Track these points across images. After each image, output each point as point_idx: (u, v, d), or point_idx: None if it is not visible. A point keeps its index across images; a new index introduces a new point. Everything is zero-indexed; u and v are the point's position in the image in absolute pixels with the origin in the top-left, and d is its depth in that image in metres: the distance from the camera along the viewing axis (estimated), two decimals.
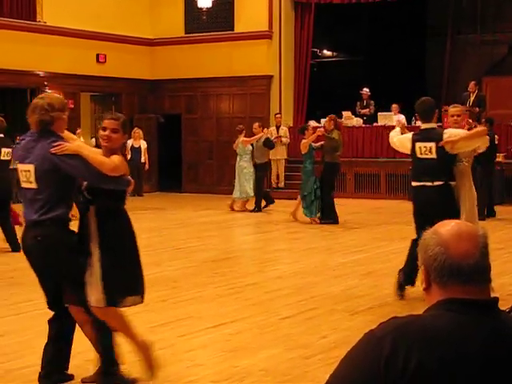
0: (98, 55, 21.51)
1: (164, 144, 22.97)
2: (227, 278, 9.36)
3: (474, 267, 2.36)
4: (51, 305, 5.50)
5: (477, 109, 19.33)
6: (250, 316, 7.42)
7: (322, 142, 15.12)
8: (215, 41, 21.85)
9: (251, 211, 16.98)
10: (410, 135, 8.27)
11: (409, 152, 8.24)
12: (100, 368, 5.49)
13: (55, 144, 5.28)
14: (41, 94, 5.62)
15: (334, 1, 21.43)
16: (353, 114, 21.11)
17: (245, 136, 17.37)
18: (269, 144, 17.52)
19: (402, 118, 20.49)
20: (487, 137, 8.45)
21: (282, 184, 20.57)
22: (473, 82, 19.93)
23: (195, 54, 22.05)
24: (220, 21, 21.92)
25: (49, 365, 5.44)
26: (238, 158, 17.53)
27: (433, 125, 8.15)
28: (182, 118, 22.83)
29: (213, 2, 21.09)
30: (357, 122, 20.89)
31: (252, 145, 17.32)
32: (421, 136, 8.06)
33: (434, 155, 7.88)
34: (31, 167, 5.35)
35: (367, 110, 21.01)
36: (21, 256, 5.61)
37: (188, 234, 13.90)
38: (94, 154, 5.34)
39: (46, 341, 5.51)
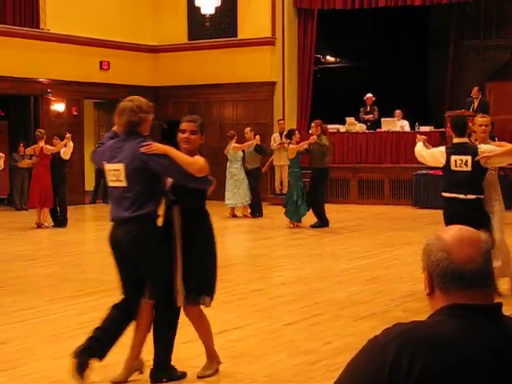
0: (101, 62, 21.54)
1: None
2: (230, 284, 9.35)
3: (476, 272, 2.35)
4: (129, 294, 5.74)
5: (480, 114, 19.31)
6: (253, 322, 7.41)
7: (306, 146, 15.14)
8: (218, 47, 21.87)
9: (253, 217, 16.99)
10: (442, 149, 8.68)
11: (441, 165, 8.60)
12: (154, 363, 5.73)
13: (145, 144, 5.55)
14: (128, 97, 5.81)
15: (337, 7, 21.43)
16: (356, 120, 21.11)
17: (236, 142, 17.34)
18: (261, 150, 17.49)
19: (406, 123, 20.51)
20: None
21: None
22: (476, 88, 19.95)
23: (198, 61, 22.07)
24: (223, 27, 21.95)
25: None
26: (228, 164, 17.48)
27: (465, 139, 8.53)
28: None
29: (216, 8, 21.11)
30: (360, 127, 20.89)
31: (243, 150, 17.30)
32: (456, 149, 8.41)
33: (469, 168, 8.26)
34: (121, 166, 5.59)
35: (371, 115, 21.01)
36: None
37: None
38: (183, 155, 5.58)
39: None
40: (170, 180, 5.73)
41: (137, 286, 5.70)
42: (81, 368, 5.45)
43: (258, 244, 13.21)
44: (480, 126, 8.80)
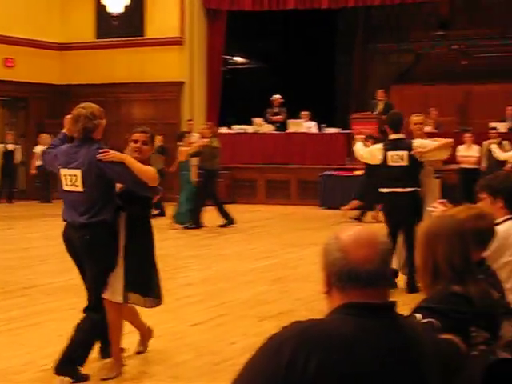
0: (5, 59, 21.12)
1: None
2: None
3: (372, 273, 2.42)
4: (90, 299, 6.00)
5: (384, 116, 19.69)
6: (160, 323, 7.39)
7: (198, 149, 15.17)
8: (126, 46, 21.70)
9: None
10: (380, 146, 9.16)
11: (379, 162, 9.04)
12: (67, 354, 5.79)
13: (102, 151, 5.75)
14: (81, 104, 6.04)
15: (246, 8, 21.53)
16: (264, 121, 21.24)
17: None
18: (163, 151, 17.35)
19: (313, 125, 20.75)
20: (451, 148, 9.67)
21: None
22: (381, 90, 20.34)
23: (106, 59, 21.87)
24: (131, 26, 21.78)
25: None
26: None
27: (401, 135, 8.97)
28: None
29: (124, 7, 20.95)
30: (268, 128, 21.03)
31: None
32: (392, 145, 8.91)
33: (405, 162, 8.79)
34: (78, 172, 5.78)
35: (278, 116, 21.17)
36: None
37: None
38: (138, 163, 5.78)
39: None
40: (118, 186, 5.92)
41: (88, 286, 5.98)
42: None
43: (166, 244, 13.13)
44: (415, 124, 9.33)
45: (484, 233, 4.07)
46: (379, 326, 2.36)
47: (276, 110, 21.28)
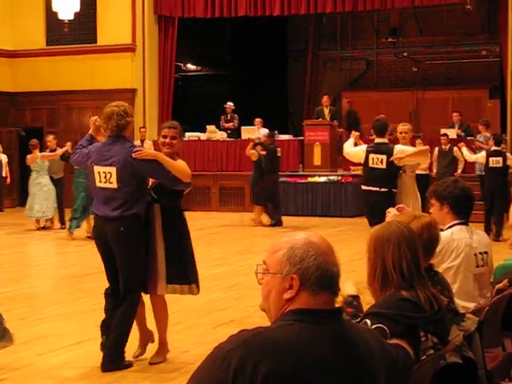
0: None
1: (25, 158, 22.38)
2: (89, 294, 9.22)
3: (335, 278, 2.46)
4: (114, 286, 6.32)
5: (336, 122, 19.85)
6: None
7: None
8: (78, 53, 21.56)
9: (61, 228, 16.35)
10: (364, 147, 9.62)
11: (362, 161, 9.57)
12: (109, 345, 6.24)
13: (136, 150, 6.09)
14: (112, 103, 6.33)
15: (198, 15, 21.52)
16: (217, 128, 21.25)
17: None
18: (68, 158, 17.11)
19: (266, 131, 20.78)
20: (429, 154, 10.20)
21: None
22: (326, 96, 20.44)
23: (57, 67, 21.69)
24: (82, 33, 21.68)
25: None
26: (34, 175, 16.57)
27: (385, 140, 9.45)
28: (44, 132, 22.36)
29: (75, 14, 20.78)
30: (221, 135, 21.03)
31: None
32: (374, 148, 9.39)
33: (384, 166, 9.21)
34: (113, 169, 6.08)
35: (231, 123, 21.19)
36: None
37: (48, 250, 13.65)
38: (171, 160, 6.12)
39: None
40: (151, 180, 6.24)
41: (117, 276, 6.27)
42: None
43: None
44: (400, 133, 9.70)
45: (433, 240, 4.13)
46: (326, 331, 2.38)
47: (229, 117, 21.30)
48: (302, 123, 20.96)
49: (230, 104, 21.31)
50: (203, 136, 21.17)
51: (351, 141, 10.10)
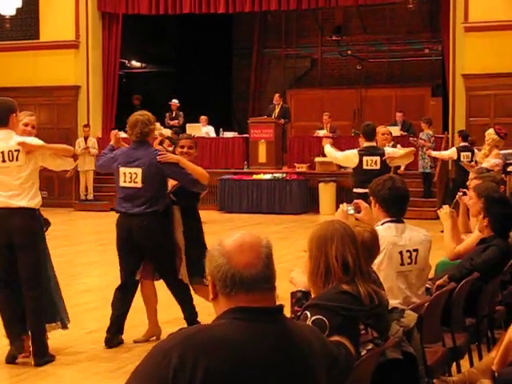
0: None
1: None
2: None
3: (256, 277, 2.46)
4: (127, 277, 7.04)
5: (282, 120, 19.93)
6: (56, 331, 7.29)
7: None
8: (20, 49, 21.23)
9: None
10: (355, 151, 10.20)
11: (354, 165, 10.09)
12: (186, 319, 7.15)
13: (160, 153, 6.85)
14: (138, 111, 7.15)
15: (142, 12, 21.40)
16: (162, 126, 21.14)
17: None
18: None
19: (211, 129, 20.80)
20: (413, 155, 10.91)
21: (90, 196, 20.31)
22: (277, 95, 20.58)
23: None
24: (25, 29, 21.37)
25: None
26: None
27: (373, 143, 10.15)
28: None
29: (17, 9, 20.45)
30: (166, 133, 20.92)
31: None
32: (367, 151, 10.04)
33: (378, 166, 9.86)
34: (139, 170, 6.81)
35: (176, 121, 21.12)
36: None
37: None
38: (192, 164, 6.98)
39: None
40: (170, 185, 7.02)
41: (133, 270, 7.00)
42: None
43: (63, 251, 12.96)
44: (382, 134, 10.63)
45: (367, 248, 4.17)
46: (266, 329, 2.40)
47: (174, 114, 21.24)
48: (247, 121, 21.00)
49: (175, 101, 21.26)
50: None
51: (329, 145, 10.70)
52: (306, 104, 24.90)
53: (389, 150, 10.22)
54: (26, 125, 6.69)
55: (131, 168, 6.81)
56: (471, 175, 8.20)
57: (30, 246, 6.27)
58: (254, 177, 19.01)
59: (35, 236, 6.34)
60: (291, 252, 11.45)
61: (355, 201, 5.65)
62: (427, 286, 5.49)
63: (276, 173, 19.15)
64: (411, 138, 17.58)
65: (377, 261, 4.41)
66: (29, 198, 6.25)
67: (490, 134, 11.93)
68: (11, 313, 6.42)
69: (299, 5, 20.14)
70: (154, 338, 7.19)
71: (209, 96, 24.34)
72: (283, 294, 8.51)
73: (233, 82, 27.60)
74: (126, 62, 25.90)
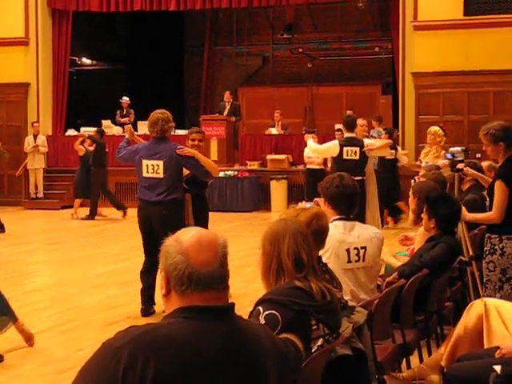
0: None
1: None
2: None
3: (212, 276, 2.44)
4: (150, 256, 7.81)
5: (233, 118, 19.93)
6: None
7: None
8: None
9: None
10: (336, 142, 10.89)
11: (335, 155, 10.70)
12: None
13: (179, 147, 7.73)
14: (158, 110, 7.95)
15: (93, 9, 21.20)
16: (113, 123, 21.01)
17: None
18: None
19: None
20: (389, 147, 12.15)
21: (40, 194, 20.07)
22: (228, 92, 20.57)
23: None
24: None
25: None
26: None
27: (353, 134, 10.82)
28: None
29: None
30: (117, 130, 20.79)
31: None
32: (348, 142, 10.67)
33: (357, 157, 10.54)
34: (160, 162, 7.71)
35: (127, 118, 20.98)
36: None
37: None
38: (206, 158, 7.97)
39: None
40: (184, 174, 7.89)
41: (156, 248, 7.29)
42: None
43: (10, 250, 12.83)
44: (361, 126, 11.60)
45: (322, 231, 4.22)
46: (216, 328, 2.39)
47: (124, 111, 21.10)
48: (199, 118, 20.95)
49: (125, 99, 21.11)
50: None
51: (311, 140, 11.46)
52: (258, 102, 24.92)
53: (367, 142, 10.91)
54: None
55: (154, 160, 7.71)
56: (420, 172, 8.29)
57: None
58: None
59: None
60: (243, 249, 11.45)
61: (315, 199, 5.68)
62: (378, 282, 5.53)
63: (227, 170, 19.14)
64: (371, 136, 17.67)
65: (324, 258, 4.43)
66: None
67: (439, 133, 11.60)
68: None
69: (250, 2, 20.15)
70: None
71: (160, 93, 24.23)
72: (236, 292, 8.59)
73: (184, 80, 27.51)
74: (77, 59, 25.71)
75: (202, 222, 7.92)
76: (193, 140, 8.27)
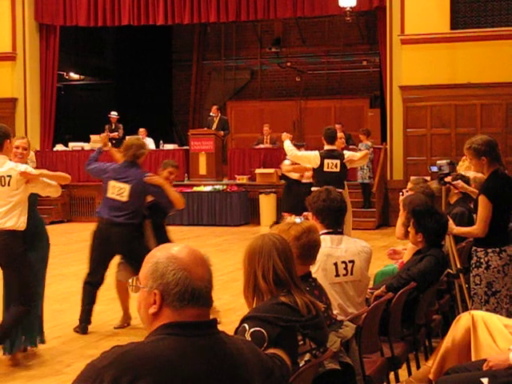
0: None
1: None
2: None
3: (207, 291, 2.46)
4: (97, 277, 8.09)
5: (221, 132, 19.95)
6: None
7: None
8: None
9: None
10: (317, 153, 10.81)
11: (315, 166, 10.68)
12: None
13: (148, 175, 7.86)
14: (133, 136, 8.49)
15: (80, 24, 21.23)
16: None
17: None
18: None
19: (150, 141, 20.69)
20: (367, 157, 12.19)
21: None
22: (215, 107, 20.58)
23: None
24: None
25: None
26: None
27: (334, 147, 10.88)
28: None
29: None
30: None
31: None
32: (328, 154, 10.70)
33: (338, 169, 10.62)
34: (127, 187, 7.79)
35: (116, 133, 20.97)
36: None
37: None
38: (172, 189, 8.04)
39: None
40: (147, 200, 7.99)
41: (104, 269, 8.09)
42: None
43: None
44: (340, 138, 11.84)
45: (312, 246, 4.21)
46: (201, 344, 2.38)
47: (113, 126, 21.09)
48: (188, 133, 20.97)
49: (114, 113, 21.11)
50: (87, 146, 20.84)
51: (289, 142, 11.24)
52: (246, 116, 24.98)
53: (348, 154, 11.01)
54: (17, 147, 6.90)
55: (121, 183, 7.79)
56: (408, 185, 8.29)
57: (13, 265, 6.51)
58: (195, 189, 18.98)
59: (17, 255, 6.52)
60: (232, 264, 11.46)
61: (304, 213, 5.68)
62: (366, 296, 5.53)
63: (216, 185, 19.15)
64: (358, 150, 17.73)
65: (312, 272, 4.42)
66: (15, 221, 6.47)
67: None
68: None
69: (238, 16, 20.22)
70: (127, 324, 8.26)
71: (149, 108, 24.27)
72: (224, 307, 8.58)
73: (173, 94, 27.55)
74: (65, 74, 25.69)
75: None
76: (170, 173, 8.35)
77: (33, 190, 6.72)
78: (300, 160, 11.44)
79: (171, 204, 8.03)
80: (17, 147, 6.89)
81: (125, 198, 7.76)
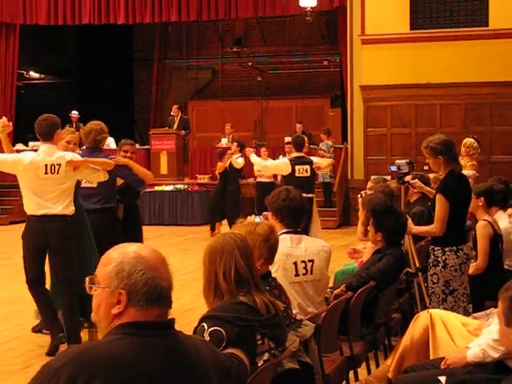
0: None
1: None
2: None
3: (169, 291, 2.47)
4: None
5: (183, 132, 19.91)
6: None
7: None
8: None
9: None
10: (287, 160, 11.34)
11: (286, 173, 11.07)
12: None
13: (111, 157, 7.59)
14: (93, 121, 7.95)
15: (40, 22, 21.06)
16: None
17: None
18: None
19: (111, 140, 20.55)
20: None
21: None
22: (175, 106, 20.54)
23: None
24: None
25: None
26: None
27: (302, 153, 11.38)
28: None
29: None
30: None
31: None
32: (298, 161, 11.14)
33: (308, 174, 11.14)
34: None
35: (77, 133, 20.80)
36: None
37: None
38: (139, 166, 8.09)
39: None
40: (117, 184, 7.87)
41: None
42: None
43: None
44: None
45: (273, 246, 4.23)
46: (158, 343, 2.39)
47: (74, 126, 20.91)
48: (149, 132, 20.91)
49: (74, 113, 20.97)
50: None
51: (255, 156, 11.79)
52: (208, 115, 24.95)
53: (315, 160, 11.59)
54: (68, 142, 7.37)
55: None
56: (368, 185, 8.34)
57: (64, 249, 6.93)
58: (156, 188, 18.92)
59: (68, 240, 6.96)
60: (193, 264, 11.44)
61: (264, 213, 5.68)
62: (326, 295, 5.55)
63: (178, 184, 19.12)
64: (320, 150, 17.81)
65: (272, 271, 4.44)
66: (64, 206, 6.92)
67: (472, 143, 10.64)
68: (49, 309, 7.13)
69: (199, 16, 20.21)
70: None
71: (110, 107, 24.10)
72: (184, 306, 8.58)
73: (134, 93, 27.42)
74: (25, 72, 25.45)
75: (136, 231, 8.29)
76: (125, 152, 8.16)
77: (81, 176, 7.20)
78: (271, 170, 12.04)
79: (141, 181, 8.01)
80: (68, 142, 7.37)
81: (94, 184, 7.64)
